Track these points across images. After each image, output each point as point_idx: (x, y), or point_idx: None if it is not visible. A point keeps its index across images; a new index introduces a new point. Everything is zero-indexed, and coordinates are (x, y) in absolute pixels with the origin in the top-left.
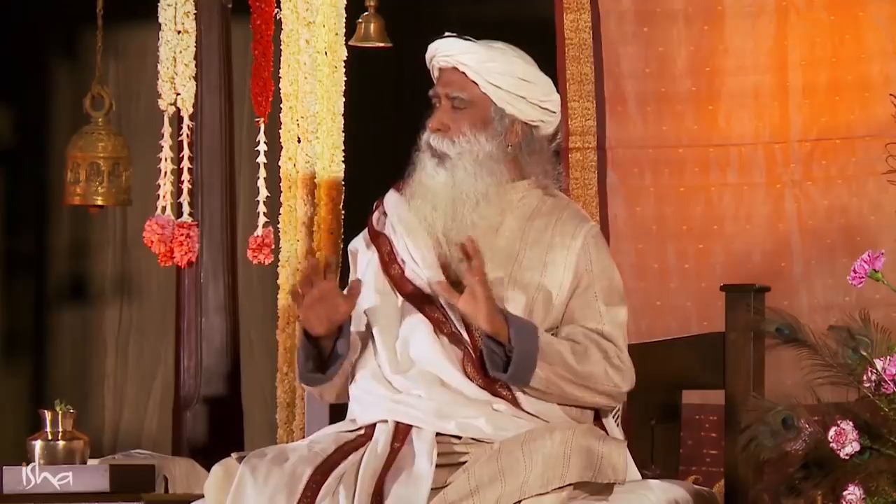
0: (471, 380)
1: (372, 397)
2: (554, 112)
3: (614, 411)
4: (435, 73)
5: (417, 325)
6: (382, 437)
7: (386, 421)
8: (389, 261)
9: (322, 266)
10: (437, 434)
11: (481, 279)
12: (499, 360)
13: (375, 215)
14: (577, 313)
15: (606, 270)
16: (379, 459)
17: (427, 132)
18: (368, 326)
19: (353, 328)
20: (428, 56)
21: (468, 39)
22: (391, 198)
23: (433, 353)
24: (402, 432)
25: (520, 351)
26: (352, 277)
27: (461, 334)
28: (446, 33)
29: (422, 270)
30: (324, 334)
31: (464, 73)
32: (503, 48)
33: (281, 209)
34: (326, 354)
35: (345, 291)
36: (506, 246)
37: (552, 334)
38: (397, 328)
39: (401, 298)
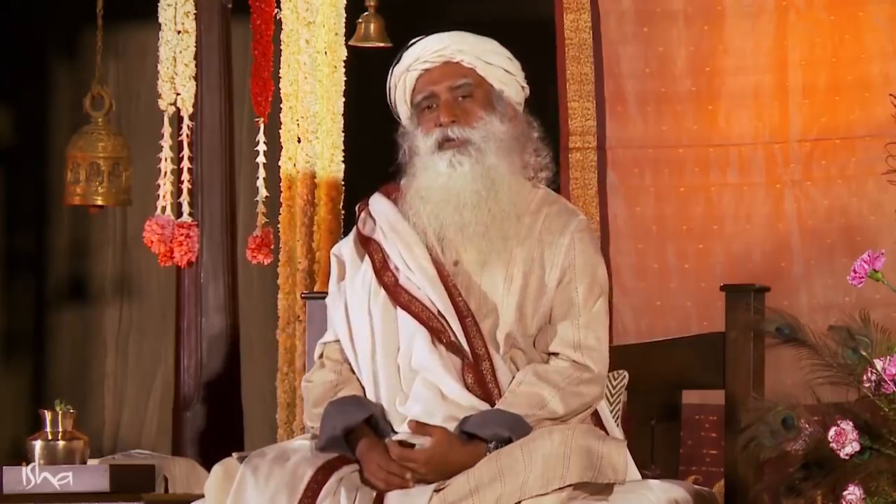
0: (470, 390)
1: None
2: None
3: (613, 411)
4: (409, 83)
5: (415, 335)
6: None
7: None
8: (382, 269)
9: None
10: None
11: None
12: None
13: (362, 217)
14: (556, 309)
15: (589, 265)
16: None
17: (432, 132)
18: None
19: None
20: (407, 62)
21: (450, 31)
22: (380, 203)
23: (432, 361)
24: None
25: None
26: (334, 282)
27: (460, 344)
28: (419, 37)
29: (416, 278)
30: None
31: (459, 61)
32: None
33: (281, 209)
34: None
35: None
36: (499, 243)
37: (539, 330)
38: (397, 340)
39: (398, 308)
